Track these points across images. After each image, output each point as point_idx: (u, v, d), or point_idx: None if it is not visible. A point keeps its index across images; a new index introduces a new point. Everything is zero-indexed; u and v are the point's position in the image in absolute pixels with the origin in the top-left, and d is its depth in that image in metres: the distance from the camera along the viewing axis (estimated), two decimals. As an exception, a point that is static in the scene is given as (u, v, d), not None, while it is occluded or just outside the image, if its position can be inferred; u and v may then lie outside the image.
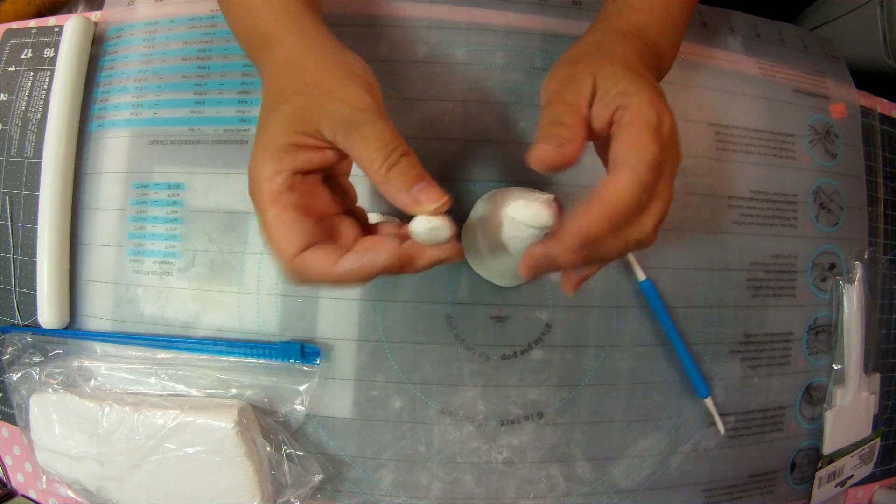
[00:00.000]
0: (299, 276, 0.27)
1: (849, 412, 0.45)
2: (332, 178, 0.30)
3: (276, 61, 0.30)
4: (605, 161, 0.27)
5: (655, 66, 0.32)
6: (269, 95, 0.30)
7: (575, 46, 0.32)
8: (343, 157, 0.28)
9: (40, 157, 0.42)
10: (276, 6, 0.31)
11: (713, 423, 0.42)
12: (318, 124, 0.27)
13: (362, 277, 0.26)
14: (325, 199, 0.29)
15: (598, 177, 0.26)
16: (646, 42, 0.32)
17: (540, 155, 0.26)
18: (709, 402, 0.42)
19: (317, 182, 0.28)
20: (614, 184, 0.25)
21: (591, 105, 0.28)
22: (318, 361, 0.39)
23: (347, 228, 0.28)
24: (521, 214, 0.26)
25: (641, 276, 0.41)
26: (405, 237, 0.27)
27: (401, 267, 0.27)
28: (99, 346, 0.41)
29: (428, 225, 0.26)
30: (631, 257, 0.41)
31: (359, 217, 0.30)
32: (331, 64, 0.29)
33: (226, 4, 0.34)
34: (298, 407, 0.39)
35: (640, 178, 0.25)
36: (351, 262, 0.26)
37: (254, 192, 0.28)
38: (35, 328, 0.43)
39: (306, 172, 0.27)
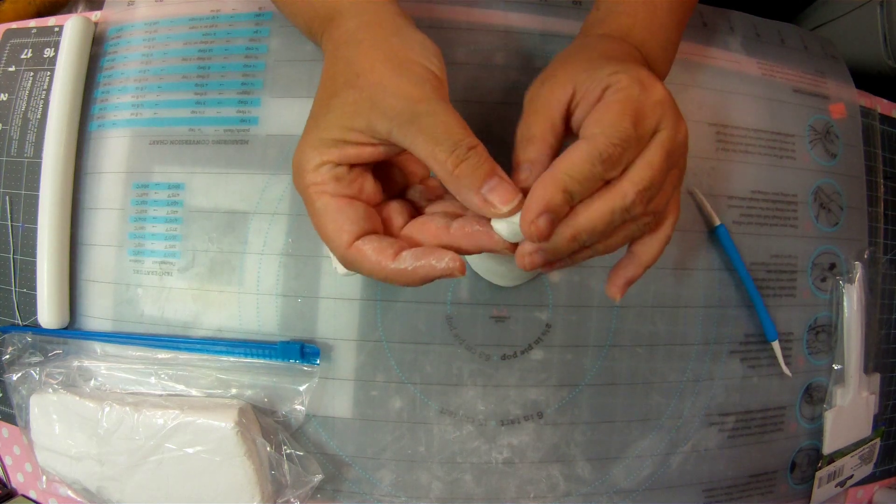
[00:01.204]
0: (353, 266, 0.26)
1: (849, 412, 0.45)
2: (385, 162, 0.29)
3: (333, 44, 0.29)
4: None
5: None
6: (324, 84, 0.28)
7: (556, 56, 0.31)
8: (400, 150, 0.26)
9: (40, 157, 0.42)
10: None
11: (714, 423, 0.42)
12: (369, 120, 0.25)
13: (417, 279, 0.25)
14: (375, 186, 0.27)
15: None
16: (633, 44, 0.31)
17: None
18: (776, 345, 0.43)
19: (366, 171, 0.27)
20: (570, 155, 0.24)
21: (569, 106, 0.27)
22: (318, 361, 0.39)
23: (397, 216, 0.27)
24: (496, 223, 0.25)
25: (716, 220, 0.42)
26: (457, 216, 0.26)
27: (460, 273, 0.25)
28: (99, 346, 0.41)
29: (514, 230, 0.24)
30: (706, 203, 0.42)
31: (419, 193, 0.29)
32: (385, 49, 0.26)
33: None
34: (298, 407, 0.39)
35: (598, 151, 0.24)
36: (409, 261, 0.25)
37: (299, 184, 0.27)
38: (35, 328, 0.43)
39: (353, 165, 0.26)
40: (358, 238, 0.25)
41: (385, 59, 0.26)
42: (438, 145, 0.24)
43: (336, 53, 0.28)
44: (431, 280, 0.25)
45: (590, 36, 0.32)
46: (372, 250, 0.25)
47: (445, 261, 0.24)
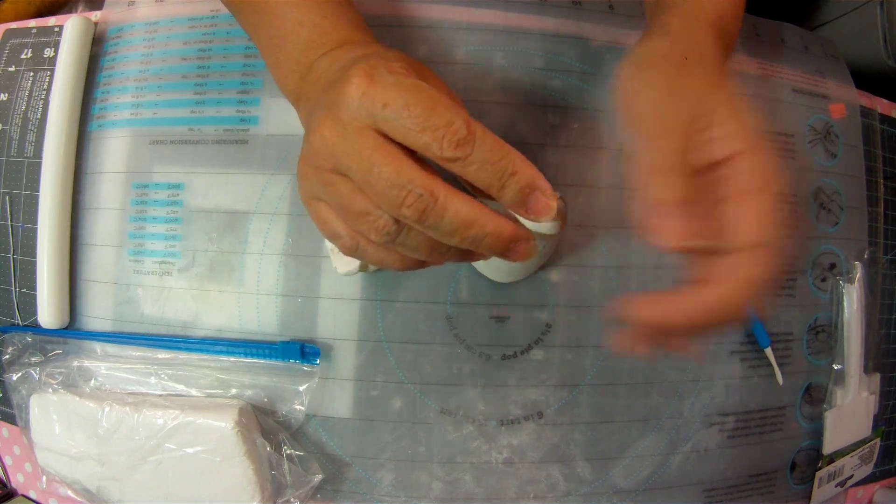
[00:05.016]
0: (480, 140, 0.23)
1: (849, 412, 0.45)
2: None
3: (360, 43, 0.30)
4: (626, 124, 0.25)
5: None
6: (365, 51, 0.28)
7: (663, 38, 0.28)
8: None
9: (40, 157, 0.42)
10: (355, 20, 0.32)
11: (714, 423, 0.42)
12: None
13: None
14: None
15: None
16: (729, 40, 0.30)
17: (665, 239, 0.23)
18: (769, 351, 0.42)
19: None
20: (719, 291, 0.23)
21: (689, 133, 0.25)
22: (318, 361, 0.39)
23: None
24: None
25: None
26: None
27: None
28: (99, 346, 0.41)
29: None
30: None
31: None
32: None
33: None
34: (298, 407, 0.39)
35: (735, 302, 0.23)
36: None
37: (386, 70, 0.23)
38: (35, 328, 0.43)
39: None
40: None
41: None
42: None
43: (370, 42, 0.29)
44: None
45: (698, 21, 0.29)
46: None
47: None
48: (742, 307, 0.24)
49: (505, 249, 0.24)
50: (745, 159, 0.25)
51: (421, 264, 0.27)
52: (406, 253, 0.26)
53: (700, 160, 0.25)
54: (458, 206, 0.23)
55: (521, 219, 0.26)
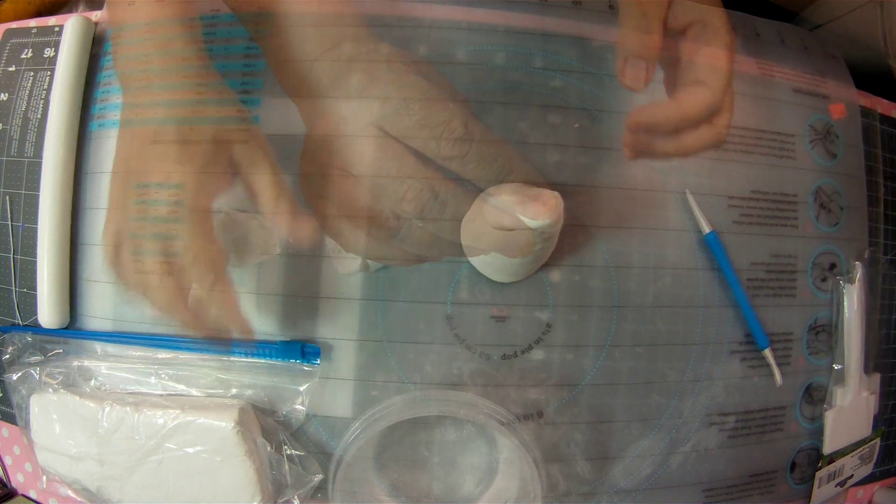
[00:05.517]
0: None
1: (849, 412, 0.45)
2: None
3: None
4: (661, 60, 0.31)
5: None
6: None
7: None
8: None
9: (40, 157, 0.42)
10: None
11: (714, 423, 0.42)
12: None
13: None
14: None
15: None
16: None
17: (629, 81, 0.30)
18: (768, 352, 0.42)
19: None
20: (691, 97, 0.29)
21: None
22: (319, 361, 0.39)
23: None
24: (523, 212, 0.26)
25: (707, 228, 0.41)
26: None
27: None
28: (99, 346, 0.41)
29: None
30: (696, 210, 0.41)
31: None
32: None
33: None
34: (299, 407, 0.39)
35: (714, 98, 0.30)
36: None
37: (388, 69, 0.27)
38: (35, 328, 0.43)
39: None
40: None
41: None
42: None
43: None
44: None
45: None
46: None
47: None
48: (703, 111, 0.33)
49: (505, 244, 0.24)
50: (703, 21, 0.31)
51: (421, 260, 0.27)
52: (406, 248, 0.26)
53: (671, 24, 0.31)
54: (459, 202, 0.23)
55: (520, 216, 0.26)
